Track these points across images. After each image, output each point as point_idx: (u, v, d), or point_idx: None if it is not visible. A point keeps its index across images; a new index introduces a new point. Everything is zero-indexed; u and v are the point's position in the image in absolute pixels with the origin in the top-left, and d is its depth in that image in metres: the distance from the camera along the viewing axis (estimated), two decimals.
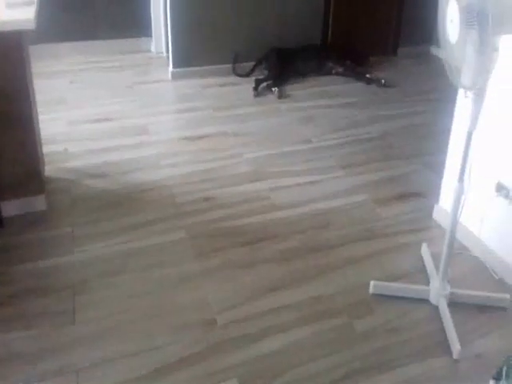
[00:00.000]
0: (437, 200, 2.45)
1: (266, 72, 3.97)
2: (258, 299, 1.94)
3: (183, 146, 3.04)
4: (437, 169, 2.79)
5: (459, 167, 1.82)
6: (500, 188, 2.07)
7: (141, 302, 1.92)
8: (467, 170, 1.80)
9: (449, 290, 1.91)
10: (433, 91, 3.85)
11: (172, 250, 2.20)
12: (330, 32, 4.25)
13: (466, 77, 1.64)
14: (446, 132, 3.29)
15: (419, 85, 3.99)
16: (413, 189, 2.68)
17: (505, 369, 1.16)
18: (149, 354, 1.72)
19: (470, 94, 1.69)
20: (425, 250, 2.19)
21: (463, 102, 2.22)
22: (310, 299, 1.95)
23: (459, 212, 1.84)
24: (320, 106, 3.59)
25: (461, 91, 2.25)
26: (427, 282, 2.01)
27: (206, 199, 2.54)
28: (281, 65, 3.94)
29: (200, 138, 3.12)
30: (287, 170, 2.81)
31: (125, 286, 2.00)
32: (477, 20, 1.51)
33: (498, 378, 1.18)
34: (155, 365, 1.68)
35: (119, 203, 2.49)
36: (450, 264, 1.89)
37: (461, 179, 1.81)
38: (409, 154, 3.00)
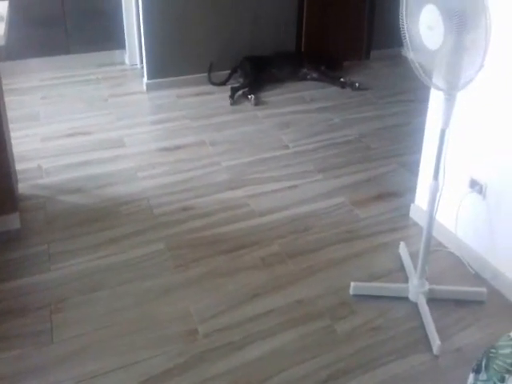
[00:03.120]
0: (413, 199, 2.51)
1: (241, 80, 4.02)
2: (241, 306, 1.96)
3: (160, 157, 3.04)
4: (412, 168, 2.86)
5: (433, 165, 1.87)
6: (473, 184, 2.13)
7: (121, 317, 1.92)
8: (441, 168, 1.86)
9: (427, 286, 1.95)
10: (406, 92, 3.93)
11: (151, 262, 2.20)
12: (303, 39, 4.32)
13: (443, 79, 1.69)
14: (421, 131, 3.37)
15: (392, 87, 4.07)
16: (390, 189, 2.73)
17: (484, 361, 1.19)
18: (132, 367, 1.71)
19: (442, 94, 1.76)
20: (403, 249, 2.24)
21: (435, 102, 2.29)
22: (292, 303, 1.97)
23: (435, 209, 1.89)
24: (296, 111, 3.64)
25: (433, 91, 2.33)
26: (406, 280, 2.05)
27: (185, 209, 2.54)
28: (256, 72, 3.98)
29: (177, 148, 3.13)
30: (265, 176, 2.84)
31: (104, 301, 1.99)
32: (461, 23, 1.55)
33: (477, 370, 1.21)
34: (139, 378, 1.68)
35: (96, 218, 2.48)
36: (427, 261, 1.94)
37: (435, 177, 1.87)
38: (385, 155, 3.06)
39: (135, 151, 3.09)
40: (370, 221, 2.47)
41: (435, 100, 2.32)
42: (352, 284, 2.01)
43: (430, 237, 1.93)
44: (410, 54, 1.76)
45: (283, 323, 1.88)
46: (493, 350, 1.25)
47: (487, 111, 2.04)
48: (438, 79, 1.73)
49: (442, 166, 1.84)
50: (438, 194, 1.89)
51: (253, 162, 2.99)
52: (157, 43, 3.87)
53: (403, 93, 3.93)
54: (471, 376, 1.25)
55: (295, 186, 2.75)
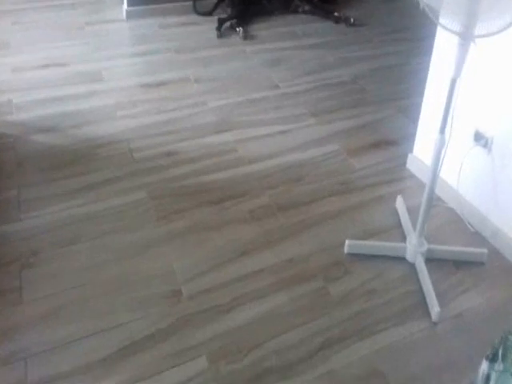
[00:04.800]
0: (411, 149, 2.23)
1: (229, 10, 3.50)
2: (228, 265, 1.71)
3: (141, 93, 2.63)
4: (410, 114, 2.55)
5: (441, 117, 1.55)
6: (478, 137, 1.84)
7: (98, 275, 1.65)
8: (449, 121, 1.56)
9: (426, 246, 1.72)
10: (404, 30, 3.49)
11: (132, 212, 1.90)
12: None
13: (459, 21, 1.34)
14: (419, 74, 3.00)
15: (389, 24, 3.61)
16: (386, 136, 2.42)
17: (501, 350, 1.00)
18: (110, 332, 1.48)
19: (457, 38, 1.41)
20: (400, 203, 1.99)
21: (442, 45, 1.93)
22: (283, 262, 1.73)
23: (439, 166, 1.62)
24: (287, 47, 3.19)
25: (440, 32, 1.96)
26: (403, 238, 1.82)
27: (168, 154, 2.21)
28: (245, 2, 3.47)
29: (160, 84, 2.71)
30: (255, 118, 2.49)
31: (80, 256, 1.71)
32: None
33: (493, 359, 1.02)
34: (118, 345, 1.44)
35: (71, 161, 2.13)
36: (427, 221, 1.70)
37: (442, 130, 1.56)
38: (382, 99, 2.70)
39: (114, 86, 2.66)
40: (366, 171, 2.19)
41: (442, 42, 1.96)
42: (346, 242, 1.77)
43: (431, 196, 1.66)
44: None
45: (274, 284, 1.65)
46: (511, 338, 1.06)
47: (498, 57, 1.71)
48: (452, 20, 1.37)
49: (449, 118, 1.54)
50: (444, 150, 1.61)
51: (241, 102, 2.61)
52: None
53: (400, 31, 3.49)
54: (485, 364, 1.06)
55: (287, 131, 2.42)
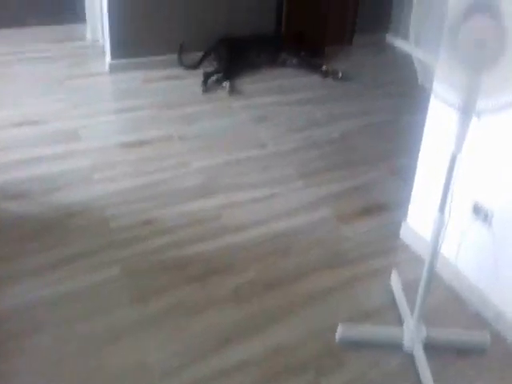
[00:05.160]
0: (404, 216, 2.16)
1: (215, 64, 3.49)
2: (210, 356, 1.55)
3: (121, 154, 2.54)
4: (402, 175, 2.49)
5: (440, 194, 1.48)
6: (477, 210, 1.78)
7: (64, 370, 1.48)
8: (449, 199, 1.49)
9: (425, 333, 1.60)
10: (392, 84, 3.52)
11: (104, 292, 1.76)
12: (283, 20, 3.79)
13: (460, 95, 1.29)
14: (409, 131, 2.99)
15: (377, 77, 3.64)
16: (378, 200, 2.34)
17: None
18: None
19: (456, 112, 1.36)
20: (395, 280, 1.88)
21: (437, 108, 1.90)
22: (270, 351, 1.58)
23: (439, 248, 1.54)
24: (275, 102, 3.17)
25: (434, 100, 1.94)
26: (400, 320, 1.70)
27: (147, 222, 2.09)
28: (232, 56, 3.45)
29: (141, 143, 2.63)
30: (241, 181, 2.41)
31: (41, 350, 1.54)
32: None
33: None
34: None
35: (41, 232, 1.99)
36: (425, 304, 1.60)
37: (441, 209, 1.49)
38: (372, 159, 2.66)
39: (92, 146, 2.56)
40: (357, 241, 2.09)
41: (435, 109, 1.94)
42: (339, 327, 1.63)
43: (430, 281, 1.55)
44: (418, 54, 1.34)
45: (260, 378, 1.50)
46: None
47: (498, 125, 1.67)
48: (452, 92, 1.32)
49: (449, 196, 1.48)
50: (444, 230, 1.53)
51: (227, 162, 2.54)
52: (122, 18, 3.27)
53: (389, 84, 3.52)
54: None
55: (274, 195, 2.33)
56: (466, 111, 1.32)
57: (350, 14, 4.03)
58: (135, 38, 3.37)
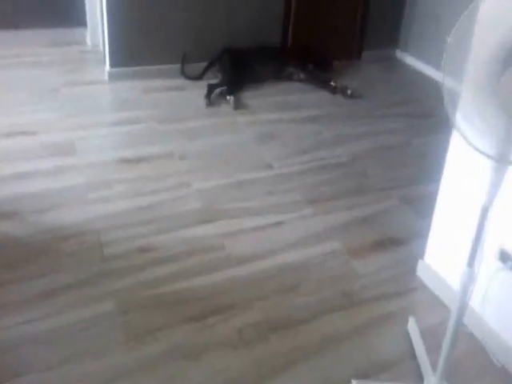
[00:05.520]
0: (420, 252, 2.03)
1: (219, 75, 3.36)
2: None
3: (118, 171, 2.39)
4: (416, 205, 2.37)
5: (469, 248, 1.36)
6: (505, 257, 1.65)
7: None
8: (479, 252, 1.37)
9: None
10: (403, 104, 3.41)
11: (96, 331, 1.61)
12: (290, 32, 3.68)
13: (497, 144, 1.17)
14: (423, 157, 2.90)
15: (388, 96, 3.52)
16: (391, 233, 2.21)
17: None
18: None
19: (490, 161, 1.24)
20: (412, 327, 1.75)
21: (459, 144, 1.78)
22: None
23: (466, 305, 1.41)
24: (281, 119, 3.05)
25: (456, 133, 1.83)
26: (419, 375, 1.56)
27: (143, 250, 1.95)
28: (237, 68, 3.34)
29: (139, 160, 2.49)
30: (245, 206, 2.27)
31: None
32: None
33: None
34: None
35: (29, 258, 1.84)
36: (449, 363, 1.47)
37: (470, 263, 1.37)
38: (383, 185, 2.53)
39: (88, 161, 2.42)
40: (371, 279, 1.96)
41: (459, 142, 1.83)
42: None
43: (456, 337, 1.43)
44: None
45: None
46: None
47: None
48: (486, 140, 1.20)
49: (479, 250, 1.35)
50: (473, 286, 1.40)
51: (230, 184, 2.40)
52: (122, 25, 3.15)
53: (399, 104, 3.41)
54: None
55: (280, 223, 2.20)
56: (503, 161, 1.20)
57: (359, 28, 3.93)
58: (136, 46, 3.25)
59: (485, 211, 1.28)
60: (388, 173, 2.64)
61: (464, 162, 1.76)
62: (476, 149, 1.19)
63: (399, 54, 4.18)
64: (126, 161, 2.46)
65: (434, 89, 3.76)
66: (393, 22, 4.05)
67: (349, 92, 3.41)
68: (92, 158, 2.44)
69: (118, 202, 2.17)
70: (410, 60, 4.08)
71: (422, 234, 2.13)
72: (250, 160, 2.61)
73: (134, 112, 2.90)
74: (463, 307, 1.40)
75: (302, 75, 3.53)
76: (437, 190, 2.45)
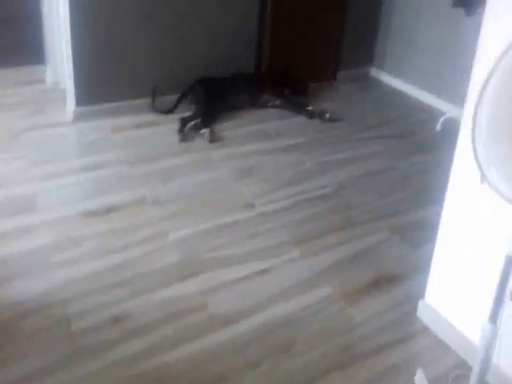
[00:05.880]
0: (420, 291, 1.84)
1: (192, 107, 3.16)
2: None
3: (85, 225, 2.15)
4: (408, 235, 2.22)
5: (492, 302, 1.20)
6: None
7: None
8: (502, 307, 1.20)
9: None
10: (383, 125, 3.26)
11: None
12: (264, 58, 3.50)
13: None
14: (409, 181, 2.78)
15: (367, 117, 3.38)
16: (385, 269, 2.04)
17: None
18: None
19: None
20: (420, 380, 1.60)
21: (463, 173, 1.64)
22: None
23: (488, 368, 1.24)
24: (260, 151, 2.85)
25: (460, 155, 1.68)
26: None
27: (117, 320, 1.71)
28: (211, 99, 3.15)
29: (109, 210, 2.26)
30: (227, 254, 2.07)
31: None
32: None
33: None
34: None
35: None
36: None
37: (493, 319, 1.21)
38: (371, 216, 2.37)
39: (52, 218, 2.17)
40: (369, 326, 1.77)
41: (462, 170, 1.70)
42: None
43: None
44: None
45: None
46: None
47: None
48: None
49: (503, 305, 1.20)
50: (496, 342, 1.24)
51: (209, 230, 2.19)
52: (88, 59, 2.94)
53: (379, 125, 3.26)
54: None
55: (267, 270, 1.99)
56: None
57: (334, 49, 3.82)
58: (102, 82, 3.04)
59: (509, 262, 1.12)
60: (375, 202, 2.48)
61: (471, 188, 1.59)
62: (503, 196, 1.04)
63: (374, 72, 4.08)
64: (94, 213, 2.22)
65: (411, 106, 3.73)
66: (367, 40, 3.94)
67: (327, 116, 3.25)
68: (56, 214, 2.19)
69: (86, 263, 1.94)
70: (385, 78, 3.97)
71: (418, 268, 1.99)
72: (229, 199, 2.42)
73: (101, 155, 2.68)
74: (485, 368, 1.24)
75: (277, 101, 3.36)
76: (426, 215, 2.34)
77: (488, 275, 1.56)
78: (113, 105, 3.10)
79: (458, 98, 3.60)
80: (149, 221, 2.21)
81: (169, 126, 3.01)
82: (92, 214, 2.22)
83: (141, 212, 2.27)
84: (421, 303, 1.84)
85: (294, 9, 3.49)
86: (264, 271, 1.99)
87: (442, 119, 3.24)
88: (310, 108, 3.31)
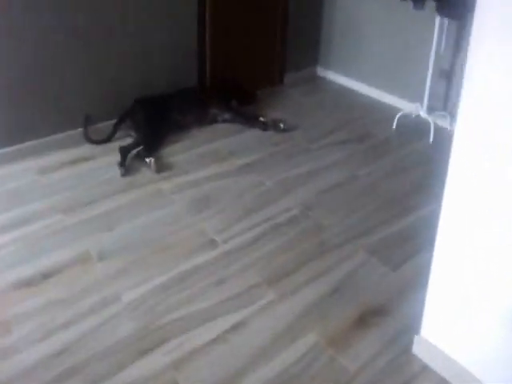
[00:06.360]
0: (410, 322, 1.64)
1: (133, 133, 2.78)
2: None
3: (18, 300, 1.75)
4: (385, 255, 2.01)
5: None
6: None
7: None
8: None
9: None
10: (339, 129, 3.03)
11: None
12: (207, 70, 3.20)
13: None
14: (375, 190, 2.59)
15: (321, 122, 3.13)
16: (370, 301, 1.81)
17: None
18: None
19: None
20: None
21: (457, 192, 1.42)
22: None
23: None
24: (214, 175, 2.54)
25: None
26: None
27: None
28: (153, 121, 2.78)
29: (47, 276, 1.86)
30: (192, 311, 1.74)
31: None
32: None
33: None
34: None
35: None
36: None
37: None
38: (345, 237, 2.13)
39: None
40: (365, 376, 1.53)
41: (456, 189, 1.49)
42: None
43: None
44: None
45: None
46: None
47: None
48: None
49: None
50: None
51: (167, 283, 1.85)
52: (5, 90, 2.48)
53: (336, 131, 3.03)
54: None
55: (241, 324, 1.69)
56: None
57: (278, 52, 3.57)
58: (25, 115, 2.59)
59: None
60: (345, 219, 2.25)
61: (470, 206, 1.37)
62: None
63: (321, 71, 3.86)
64: (29, 282, 1.83)
65: (363, 105, 3.48)
66: (311, 40, 3.71)
67: (281, 126, 2.98)
68: None
69: (19, 354, 1.55)
70: (333, 76, 3.76)
71: (402, 294, 1.81)
72: (186, 240, 2.09)
73: (29, 206, 2.25)
74: None
75: (226, 115, 3.05)
76: (400, 228, 2.15)
77: (494, 302, 1.38)
78: (39, 141, 2.65)
79: (410, 93, 3.49)
80: (96, 283, 1.84)
81: (107, 159, 2.62)
82: (26, 283, 1.82)
83: (85, 272, 1.89)
84: (416, 339, 1.62)
85: (234, 14, 3.19)
86: (237, 326, 1.69)
87: (397, 117, 3.10)
88: (262, 119, 3.03)
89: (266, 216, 2.26)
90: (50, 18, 2.50)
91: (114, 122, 2.82)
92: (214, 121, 3.06)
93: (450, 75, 3.03)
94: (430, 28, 2.90)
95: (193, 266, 1.95)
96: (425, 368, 1.58)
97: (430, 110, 3.01)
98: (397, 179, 2.56)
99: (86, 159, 2.63)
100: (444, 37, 2.91)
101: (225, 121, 3.06)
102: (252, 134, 2.98)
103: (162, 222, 2.19)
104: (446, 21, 2.84)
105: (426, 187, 2.48)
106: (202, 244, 2.07)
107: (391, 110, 3.25)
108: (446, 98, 3.08)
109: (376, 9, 3.34)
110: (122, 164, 2.54)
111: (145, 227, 2.16)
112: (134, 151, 2.64)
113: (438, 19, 2.81)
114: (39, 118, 2.64)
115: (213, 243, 2.08)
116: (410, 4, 2.82)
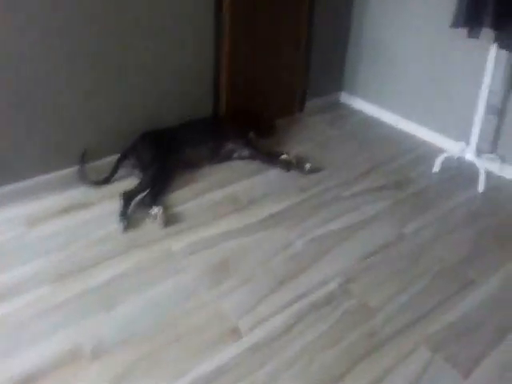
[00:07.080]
0: None
1: (136, 173, 2.33)
2: None
3: None
4: (453, 354, 1.54)
5: None
6: None
7: None
8: None
9: None
10: (372, 172, 2.58)
11: None
12: (223, 100, 2.74)
13: None
14: (426, 255, 2.19)
15: (349, 161, 2.69)
16: None
17: None
18: None
19: None
20: None
21: None
22: None
23: None
24: (232, 231, 2.09)
25: None
26: None
27: None
28: (162, 161, 2.32)
29: (26, 381, 1.41)
30: None
31: None
32: None
33: None
34: None
35: None
36: None
37: None
38: (398, 326, 1.67)
39: None
40: None
41: None
42: None
43: None
44: None
45: None
46: None
47: None
48: None
49: None
50: None
51: None
52: None
53: (369, 173, 2.58)
54: None
55: None
56: None
57: (300, 78, 3.11)
58: (12, 152, 2.14)
59: None
60: (395, 298, 1.79)
61: None
62: None
63: (345, 97, 3.42)
64: None
65: (396, 140, 2.85)
66: (336, 65, 3.28)
67: (307, 167, 2.53)
68: None
69: None
70: (358, 103, 3.32)
71: None
72: (204, 327, 1.63)
73: (11, 272, 1.79)
74: None
75: (244, 151, 2.60)
76: (464, 312, 1.71)
77: None
78: (26, 183, 2.20)
79: (451, 130, 2.82)
80: None
81: (106, 207, 2.17)
82: None
83: (74, 377, 1.44)
84: None
85: (254, 38, 2.75)
86: None
87: (439, 160, 2.63)
88: (284, 157, 2.58)
89: (299, 291, 1.81)
90: (50, 40, 2.06)
91: (114, 158, 2.36)
92: (229, 157, 2.61)
93: (502, 113, 2.61)
94: (482, 59, 2.49)
95: (212, 368, 1.49)
96: None
97: (478, 151, 2.58)
98: (448, 241, 2.12)
99: (81, 206, 2.17)
100: (500, 70, 2.49)
101: (242, 157, 2.62)
102: (274, 176, 2.53)
103: (173, 300, 1.74)
104: (503, 53, 2.42)
105: (483, 251, 2.05)
106: (222, 333, 1.62)
107: (429, 149, 2.83)
108: (495, 139, 2.67)
109: (412, 30, 2.90)
110: (123, 214, 2.09)
111: (152, 306, 1.70)
112: (138, 197, 2.20)
113: (493, 50, 2.40)
114: (29, 153, 2.19)
115: (235, 333, 1.62)
116: (462, 31, 2.40)
